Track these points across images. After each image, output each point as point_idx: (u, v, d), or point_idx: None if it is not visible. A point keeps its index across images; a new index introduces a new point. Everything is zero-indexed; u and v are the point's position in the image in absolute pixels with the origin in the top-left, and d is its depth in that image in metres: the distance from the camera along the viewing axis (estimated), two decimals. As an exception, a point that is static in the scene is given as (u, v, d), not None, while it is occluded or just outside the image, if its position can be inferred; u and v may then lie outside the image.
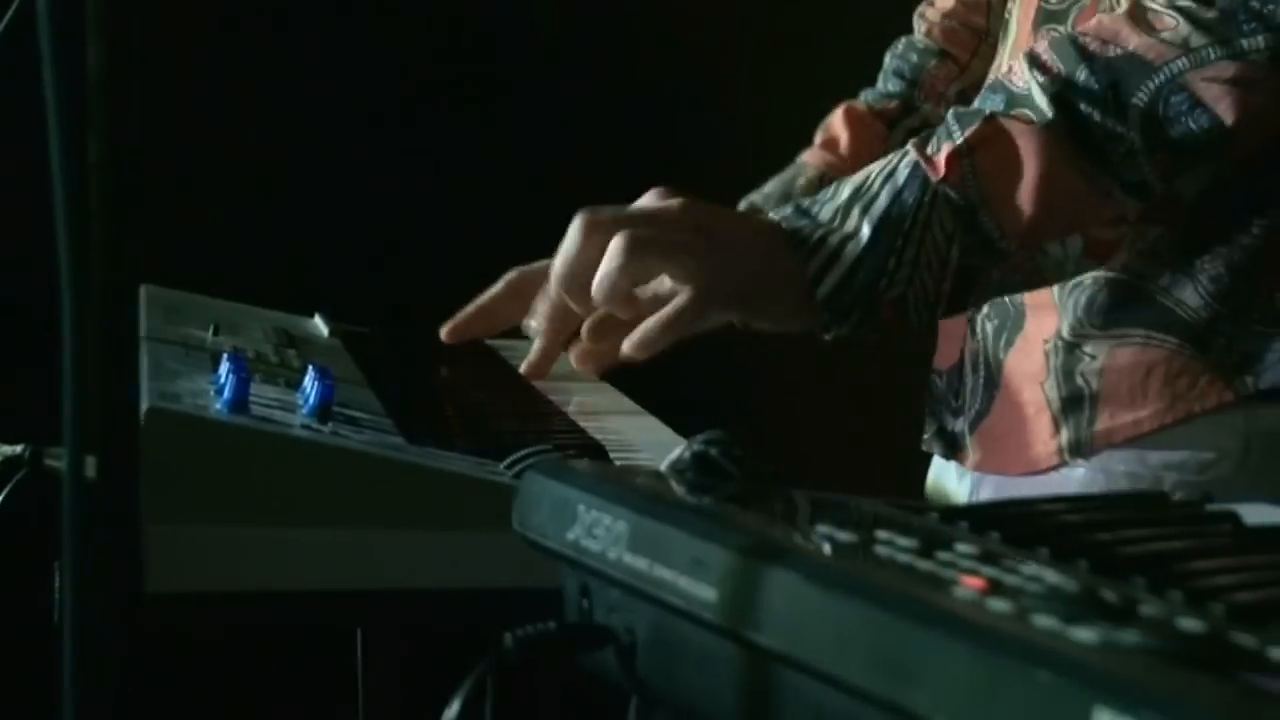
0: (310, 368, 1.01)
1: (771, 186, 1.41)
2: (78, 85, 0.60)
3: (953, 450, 1.33)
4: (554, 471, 0.72)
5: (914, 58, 1.47)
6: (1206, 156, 1.04)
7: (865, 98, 1.48)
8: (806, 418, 2.49)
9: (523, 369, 1.24)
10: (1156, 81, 1.03)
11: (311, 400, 0.97)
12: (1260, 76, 1.03)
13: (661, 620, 0.64)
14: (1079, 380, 1.19)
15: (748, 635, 0.58)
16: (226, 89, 2.29)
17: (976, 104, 1.08)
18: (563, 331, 1.21)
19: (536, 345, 1.23)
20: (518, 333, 1.30)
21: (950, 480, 1.36)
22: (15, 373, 1.67)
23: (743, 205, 1.40)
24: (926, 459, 1.40)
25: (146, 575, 0.87)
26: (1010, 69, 1.08)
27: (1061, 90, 1.04)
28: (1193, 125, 1.02)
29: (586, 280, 1.04)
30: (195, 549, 0.88)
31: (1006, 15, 1.33)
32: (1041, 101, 1.04)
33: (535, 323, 1.22)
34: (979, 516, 0.66)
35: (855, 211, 1.05)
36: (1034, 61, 1.06)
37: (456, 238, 2.36)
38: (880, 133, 1.45)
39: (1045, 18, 1.25)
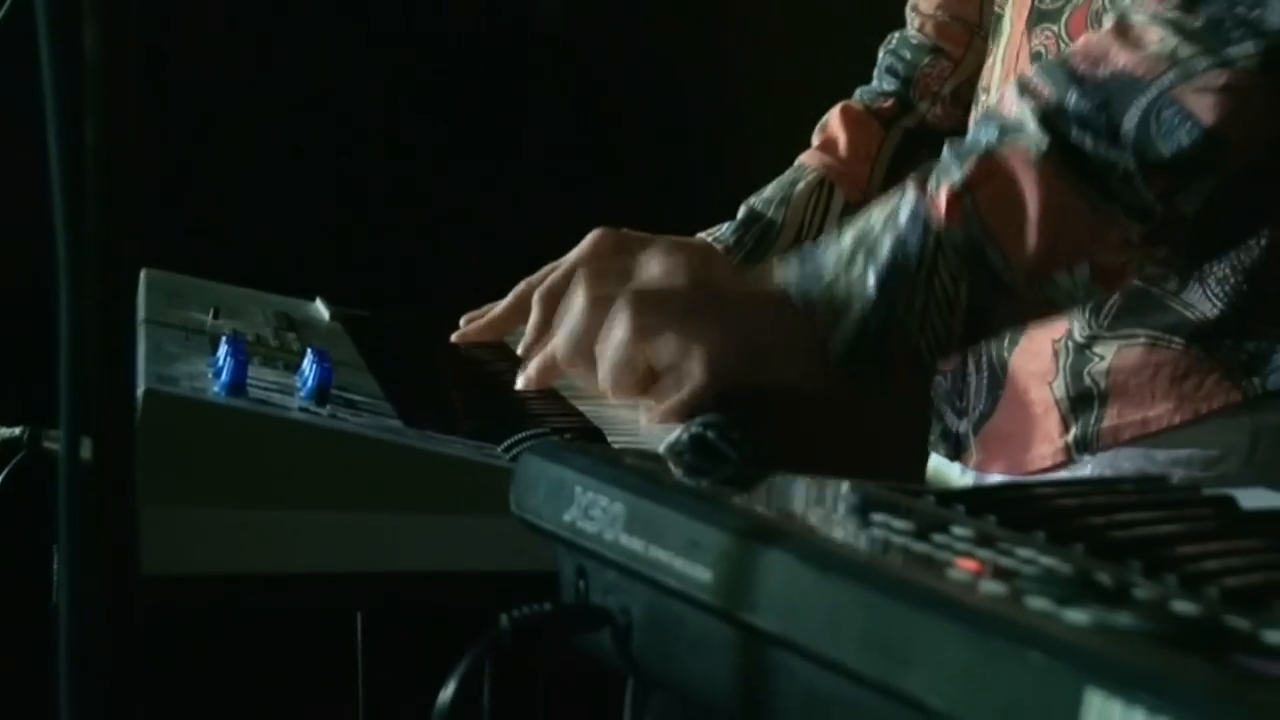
0: (309, 350, 1.01)
1: (771, 190, 1.41)
2: (75, 68, 0.60)
3: (957, 452, 1.33)
4: (551, 453, 0.72)
5: (907, 55, 1.46)
6: (1203, 170, 1.02)
7: (861, 96, 1.47)
8: (807, 405, 2.48)
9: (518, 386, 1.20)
10: (1147, 98, 1.00)
11: (310, 383, 0.97)
12: (1251, 83, 1.00)
13: (657, 601, 0.64)
14: (1087, 380, 1.19)
15: (743, 617, 0.58)
16: (229, 72, 2.29)
17: (971, 136, 1.05)
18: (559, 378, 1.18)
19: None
20: None
21: (952, 476, 1.35)
22: (15, 356, 1.67)
23: (742, 209, 1.39)
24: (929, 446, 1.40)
25: (143, 558, 0.86)
26: (1002, 97, 1.06)
27: (1054, 118, 1.01)
28: (1185, 139, 1.00)
29: (591, 352, 1.06)
30: (192, 532, 0.88)
31: (999, 11, 1.32)
32: (1035, 131, 1.01)
33: (531, 372, 1.16)
34: (976, 500, 0.66)
35: (860, 260, 1.03)
36: (1025, 89, 1.03)
37: (459, 224, 2.36)
38: (877, 132, 1.44)
39: (1039, 17, 1.24)
